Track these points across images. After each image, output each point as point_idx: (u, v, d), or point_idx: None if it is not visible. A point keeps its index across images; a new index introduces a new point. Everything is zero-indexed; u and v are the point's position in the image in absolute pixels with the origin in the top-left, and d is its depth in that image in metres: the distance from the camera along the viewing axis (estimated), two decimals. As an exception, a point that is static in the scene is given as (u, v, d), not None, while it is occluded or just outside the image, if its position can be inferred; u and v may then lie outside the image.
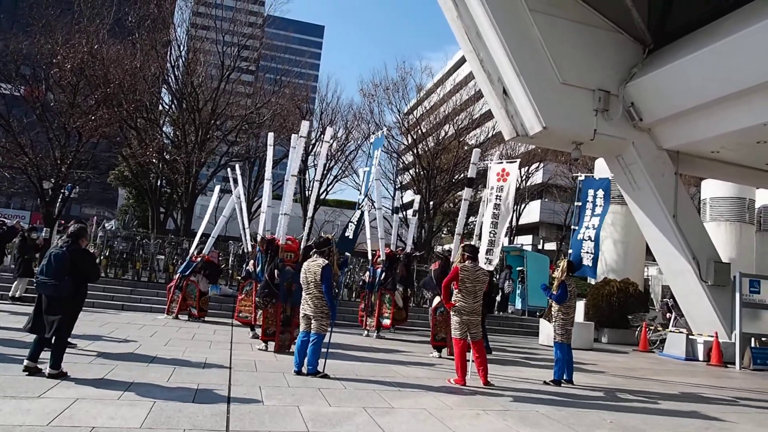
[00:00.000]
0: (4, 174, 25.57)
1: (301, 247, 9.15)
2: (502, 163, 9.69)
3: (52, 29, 22.82)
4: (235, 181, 13.81)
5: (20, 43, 23.54)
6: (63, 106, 22.64)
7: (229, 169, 17.27)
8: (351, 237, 8.30)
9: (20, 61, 24.30)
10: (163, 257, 17.53)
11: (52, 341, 5.72)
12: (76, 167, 23.33)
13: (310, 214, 11.48)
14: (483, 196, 10.94)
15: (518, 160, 10.49)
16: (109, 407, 4.82)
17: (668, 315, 16.04)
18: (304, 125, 9.82)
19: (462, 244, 8.26)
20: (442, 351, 10.12)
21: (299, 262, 8.93)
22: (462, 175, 27.92)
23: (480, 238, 10.28)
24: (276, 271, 8.98)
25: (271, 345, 9.00)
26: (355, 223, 8.80)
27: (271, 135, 10.30)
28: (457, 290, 7.52)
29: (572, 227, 8.93)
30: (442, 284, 7.75)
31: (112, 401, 5.02)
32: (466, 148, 29.69)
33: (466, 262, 7.64)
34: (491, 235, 9.29)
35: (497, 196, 9.33)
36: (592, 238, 8.58)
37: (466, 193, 10.92)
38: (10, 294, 12.05)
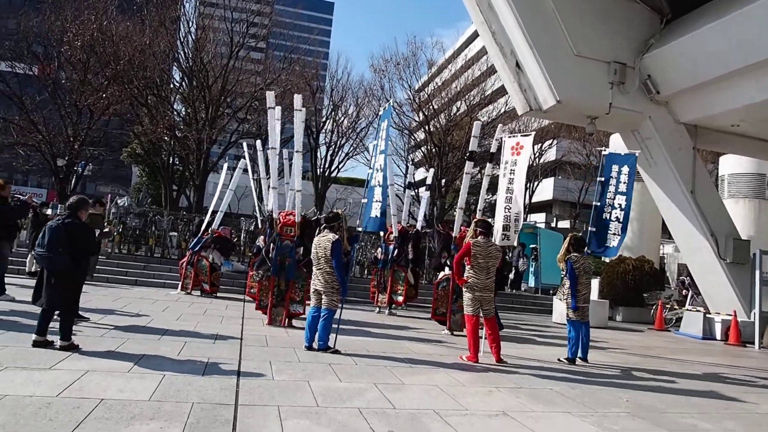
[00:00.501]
0: (19, 151, 25.72)
1: (296, 222, 9.01)
2: (516, 136, 9.44)
3: (62, 6, 22.71)
4: (252, 159, 13.70)
5: (31, 20, 23.47)
6: (74, 83, 22.65)
7: (245, 144, 17.11)
8: (379, 216, 8.19)
9: (32, 40, 24.27)
10: (175, 234, 17.58)
11: (57, 314, 5.73)
12: (88, 144, 23.40)
13: (309, 190, 11.34)
14: (485, 172, 10.72)
15: (533, 133, 10.26)
16: (118, 379, 4.80)
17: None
18: (297, 98, 9.58)
19: (475, 219, 8.13)
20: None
21: (299, 236, 8.87)
22: (478, 151, 27.67)
23: (483, 214, 10.15)
24: (272, 244, 8.96)
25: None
26: (380, 200, 8.53)
27: (278, 108, 10.01)
28: (469, 266, 7.40)
29: (594, 203, 8.68)
30: (452, 259, 7.63)
31: (122, 374, 5.00)
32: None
33: (479, 237, 7.51)
34: (506, 210, 9.09)
35: (511, 170, 9.11)
36: (620, 219, 8.33)
37: (467, 167, 10.75)
38: (26, 269, 12.14)
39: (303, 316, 8.88)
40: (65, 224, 5.76)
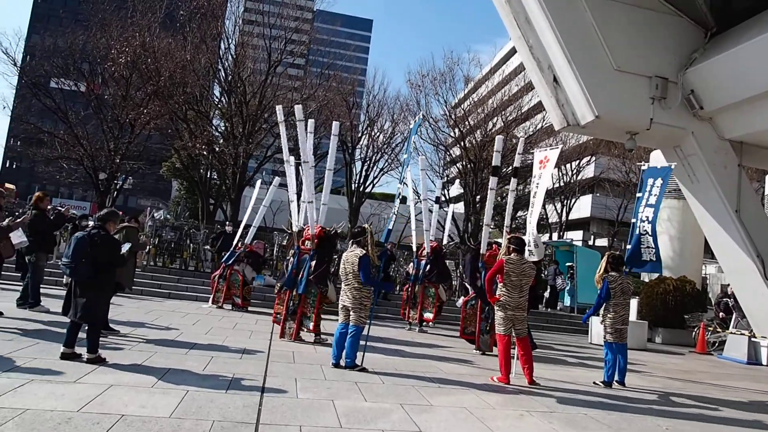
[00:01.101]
0: (63, 165, 26.53)
1: (309, 234, 8.96)
2: (545, 150, 9.21)
3: (107, 24, 23.49)
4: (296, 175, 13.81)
5: (77, 38, 24.30)
6: (117, 99, 23.28)
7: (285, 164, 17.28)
8: (390, 228, 8.09)
9: (78, 56, 25.10)
10: (209, 248, 17.78)
11: (85, 326, 5.76)
12: (128, 159, 23.96)
13: (343, 205, 11.32)
14: (510, 187, 10.43)
15: (560, 146, 10.03)
16: (141, 394, 4.77)
17: (721, 315, 15.15)
18: (335, 125, 9.76)
19: (509, 236, 7.93)
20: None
21: (315, 249, 8.78)
22: (510, 168, 27.35)
23: (510, 231, 9.89)
24: (292, 258, 8.97)
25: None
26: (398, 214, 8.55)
27: (311, 122, 10.17)
28: (501, 284, 7.21)
29: (632, 220, 8.40)
30: (485, 277, 7.43)
31: (146, 388, 4.97)
32: (514, 141, 29.05)
33: (512, 254, 7.32)
34: (529, 224, 8.89)
35: (537, 184, 8.88)
36: (649, 232, 8.03)
37: (492, 182, 10.35)
38: (64, 281, 12.38)
39: (311, 332, 8.85)
40: (90, 234, 5.82)
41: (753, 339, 12.87)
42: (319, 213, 9.38)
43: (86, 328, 5.77)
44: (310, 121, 10.15)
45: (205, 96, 27.17)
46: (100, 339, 5.97)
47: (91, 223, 12.59)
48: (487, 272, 9.50)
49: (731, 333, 13.80)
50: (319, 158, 30.07)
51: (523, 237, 8.27)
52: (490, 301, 7.49)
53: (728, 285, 16.06)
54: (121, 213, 7.07)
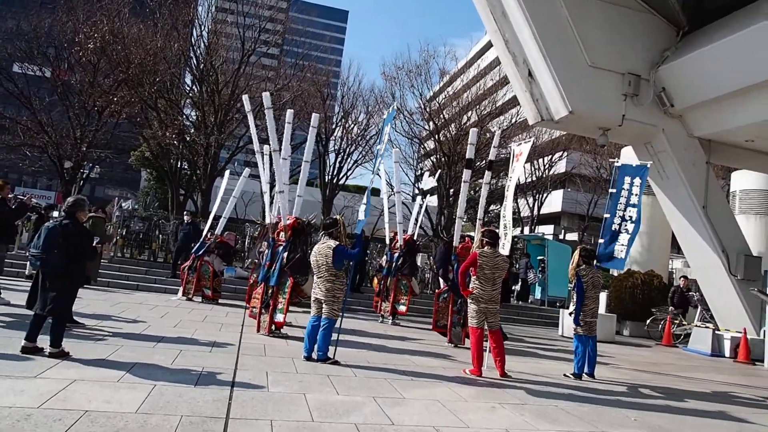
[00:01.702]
0: (26, 152, 25.75)
1: (285, 225, 8.83)
2: (520, 144, 9.22)
3: (74, 7, 22.77)
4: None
5: (42, 20, 23.53)
6: (84, 85, 22.64)
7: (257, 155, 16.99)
8: (363, 218, 7.94)
9: (43, 40, 24.31)
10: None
11: (50, 319, 5.56)
12: (95, 147, 23.35)
13: (316, 197, 11.18)
14: (485, 180, 10.33)
15: (532, 140, 10.04)
16: (106, 389, 4.63)
17: (672, 309, 15.35)
18: (315, 117, 9.59)
19: (482, 230, 7.92)
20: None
21: (291, 240, 8.64)
22: (484, 162, 27.49)
23: (483, 224, 9.86)
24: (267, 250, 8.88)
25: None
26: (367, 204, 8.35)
27: (290, 112, 9.99)
28: (475, 277, 7.21)
29: (605, 215, 8.45)
30: (458, 270, 7.40)
31: (111, 383, 4.82)
32: (488, 135, 29.16)
33: (485, 247, 7.32)
34: (503, 218, 8.82)
35: (510, 177, 8.88)
36: (629, 231, 8.10)
37: (465, 175, 10.28)
38: (27, 273, 12.02)
39: (285, 324, 8.73)
40: (62, 225, 5.63)
41: (717, 332, 13.18)
42: (294, 204, 9.24)
43: (51, 321, 5.57)
44: (289, 111, 9.95)
45: (177, 84, 26.61)
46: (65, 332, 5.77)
47: (56, 214, 12.30)
48: (460, 265, 9.53)
49: (696, 326, 14.11)
50: (292, 149, 29.78)
51: (497, 230, 8.27)
52: (463, 294, 7.48)
53: (681, 277, 16.35)
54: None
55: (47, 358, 5.40)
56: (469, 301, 7.29)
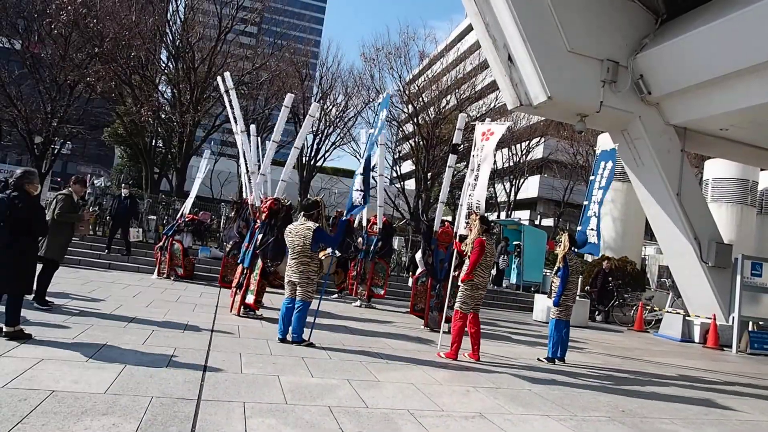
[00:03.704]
0: (-6, 127, 24.97)
1: (265, 207, 8.72)
2: (489, 123, 8.75)
3: (45, -23, 22.00)
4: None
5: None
6: (55, 59, 21.95)
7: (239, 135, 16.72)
8: (361, 204, 7.77)
9: (12, 10, 23.47)
10: (154, 217, 17.20)
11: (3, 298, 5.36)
12: (67, 122, 22.74)
13: (294, 179, 11.06)
14: (449, 162, 10.23)
15: (507, 123, 9.90)
16: (75, 370, 4.51)
17: (587, 288, 15.52)
18: (315, 107, 9.42)
19: (479, 216, 7.74)
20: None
21: (267, 222, 8.52)
22: (462, 147, 27.48)
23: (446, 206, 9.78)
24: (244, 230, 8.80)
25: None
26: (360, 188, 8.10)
27: (289, 96, 9.73)
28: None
29: (584, 203, 8.49)
30: (470, 260, 7.22)
31: (80, 363, 4.71)
32: (468, 118, 29.12)
33: (484, 235, 7.26)
34: (469, 197, 8.38)
35: (478, 156, 8.40)
36: (596, 214, 8.14)
37: (450, 159, 10.21)
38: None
39: (258, 305, 8.67)
40: (10, 197, 5.33)
41: (687, 318, 13.45)
42: (277, 186, 9.10)
43: (5, 298, 5.35)
44: (289, 96, 9.68)
45: (152, 60, 25.98)
46: (34, 312, 5.60)
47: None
48: (438, 248, 9.50)
49: (667, 312, 14.38)
50: (267, 131, 29.38)
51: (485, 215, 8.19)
52: (461, 280, 7.33)
53: (605, 260, 16.48)
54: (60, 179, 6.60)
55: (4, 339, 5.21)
56: (465, 287, 7.19)
